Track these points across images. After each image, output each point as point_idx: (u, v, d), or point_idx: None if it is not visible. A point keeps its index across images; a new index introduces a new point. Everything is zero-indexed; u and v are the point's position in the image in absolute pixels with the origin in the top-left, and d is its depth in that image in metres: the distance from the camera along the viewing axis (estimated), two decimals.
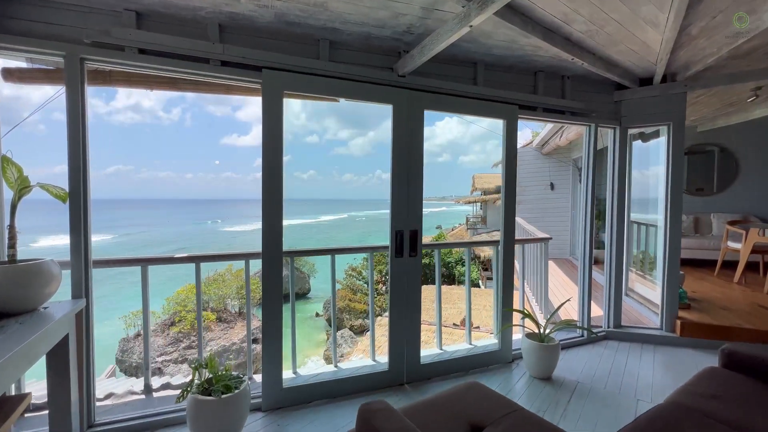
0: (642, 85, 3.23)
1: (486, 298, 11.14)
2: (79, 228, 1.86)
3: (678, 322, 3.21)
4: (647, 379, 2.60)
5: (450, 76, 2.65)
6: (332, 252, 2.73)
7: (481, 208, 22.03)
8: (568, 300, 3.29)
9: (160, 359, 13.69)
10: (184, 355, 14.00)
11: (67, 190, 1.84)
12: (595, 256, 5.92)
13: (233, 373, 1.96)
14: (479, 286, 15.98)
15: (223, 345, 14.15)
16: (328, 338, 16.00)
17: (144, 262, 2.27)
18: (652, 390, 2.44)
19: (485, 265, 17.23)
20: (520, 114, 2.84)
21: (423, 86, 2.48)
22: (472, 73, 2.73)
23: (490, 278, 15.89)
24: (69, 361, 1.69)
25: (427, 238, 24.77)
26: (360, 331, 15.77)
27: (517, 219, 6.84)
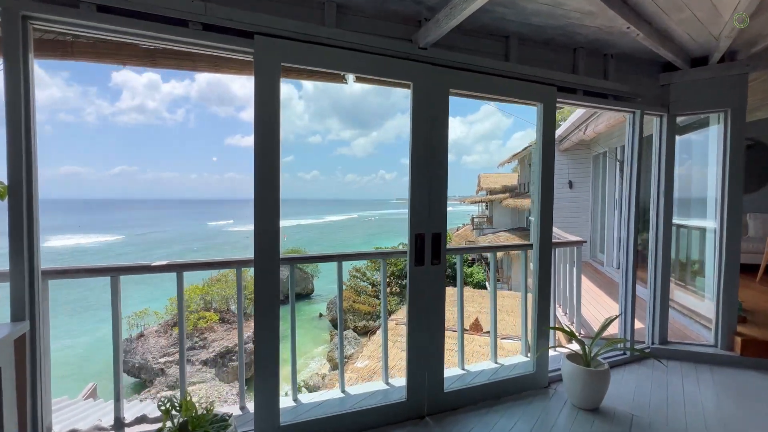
0: (694, 66, 2.77)
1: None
2: (20, 231, 1.46)
3: (738, 339, 2.76)
4: (715, 410, 2.15)
5: (478, 50, 2.22)
6: (339, 258, 2.31)
7: (486, 208, 21.52)
8: (616, 317, 2.83)
9: (162, 360, 13.41)
10: (187, 356, 13.63)
11: (6, 184, 1.44)
12: (620, 259, 5.45)
13: (216, 412, 1.54)
14: (485, 288, 15.51)
15: (226, 346, 13.82)
16: (332, 338, 15.63)
17: (115, 272, 1.87)
18: (726, 429, 1.99)
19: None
20: (558, 98, 2.40)
21: (447, 61, 2.05)
22: (503, 47, 2.30)
23: (498, 280, 15.41)
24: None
25: None
26: (364, 332, 15.37)
27: (532, 219, 6.39)
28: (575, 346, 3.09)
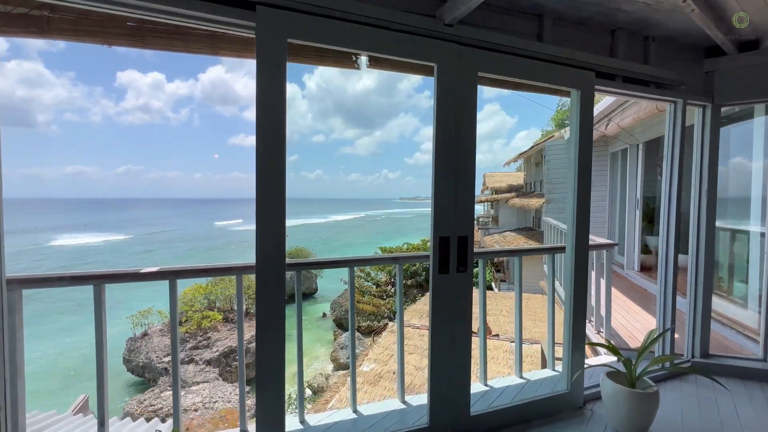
0: (742, 51, 2.48)
1: (501, 302, 10.41)
2: None
3: None
4: None
5: (508, 29, 1.96)
6: (351, 264, 2.06)
7: (492, 208, 21.18)
8: (666, 331, 2.54)
9: (166, 359, 13.27)
10: (190, 356, 13.56)
11: None
12: (641, 261, 5.16)
13: None
14: (492, 288, 15.20)
15: (230, 345, 13.66)
16: (335, 338, 15.42)
17: (98, 280, 1.63)
18: None
19: (497, 266, 16.45)
20: (596, 85, 2.13)
21: (475, 40, 1.79)
22: (537, 26, 2.03)
23: (503, 280, 15.10)
24: None
25: None
26: (367, 332, 15.14)
27: (548, 219, 6.09)
28: (605, 358, 2.82)
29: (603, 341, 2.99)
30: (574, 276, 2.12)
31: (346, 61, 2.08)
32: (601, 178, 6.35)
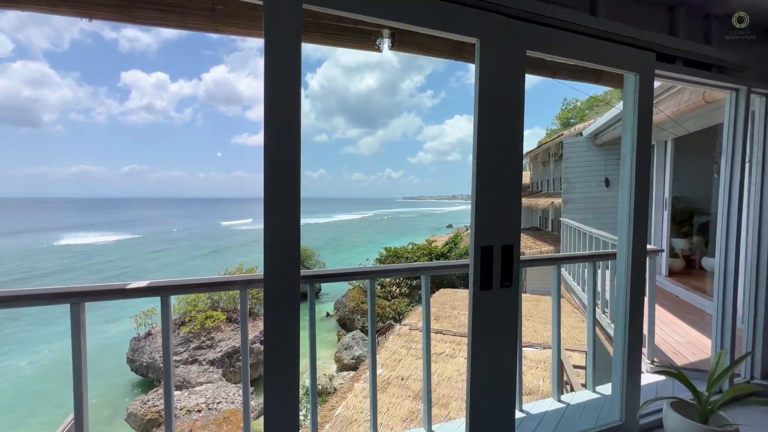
0: None
1: None
2: None
3: None
4: None
5: (559, 1, 1.66)
6: (371, 275, 1.77)
7: None
8: (747, 355, 2.23)
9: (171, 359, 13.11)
10: (194, 356, 13.38)
11: None
12: (669, 266, 4.84)
13: None
14: None
15: (234, 346, 13.47)
16: (339, 339, 15.16)
17: (77, 298, 1.35)
18: None
19: None
20: (655, 69, 1.83)
21: (524, 12, 1.50)
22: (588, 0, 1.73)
23: None
24: None
25: (442, 238, 23.62)
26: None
27: (566, 220, 5.77)
28: (647, 377, 2.52)
29: (652, 363, 2.68)
30: (629, 287, 1.82)
31: (367, 41, 1.80)
32: (599, 175, 6.00)
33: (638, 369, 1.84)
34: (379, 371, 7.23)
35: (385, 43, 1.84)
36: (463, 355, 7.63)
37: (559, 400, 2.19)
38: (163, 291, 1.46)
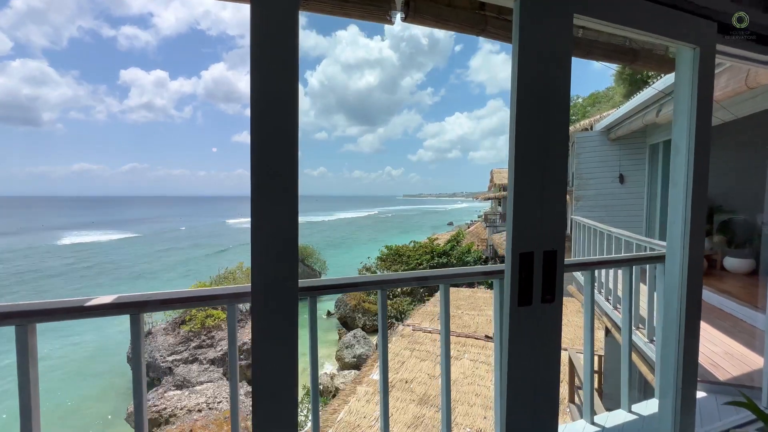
0: None
1: None
2: None
3: None
4: None
5: None
6: (381, 285, 1.51)
7: (499, 205, 20.54)
8: None
9: (170, 358, 12.93)
10: (194, 355, 13.22)
11: None
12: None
13: None
14: None
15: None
16: (340, 337, 14.95)
17: (24, 318, 1.09)
18: None
19: None
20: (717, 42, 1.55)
21: None
22: None
23: None
24: None
25: (443, 236, 23.33)
26: (373, 330, 14.64)
27: (578, 218, 5.49)
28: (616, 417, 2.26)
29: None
30: (685, 297, 1.55)
31: (376, 11, 1.54)
32: (638, 174, 5.71)
33: (693, 394, 1.58)
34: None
35: (398, 15, 1.58)
36: (469, 357, 7.39)
37: (592, 422, 1.93)
38: (132, 308, 1.19)
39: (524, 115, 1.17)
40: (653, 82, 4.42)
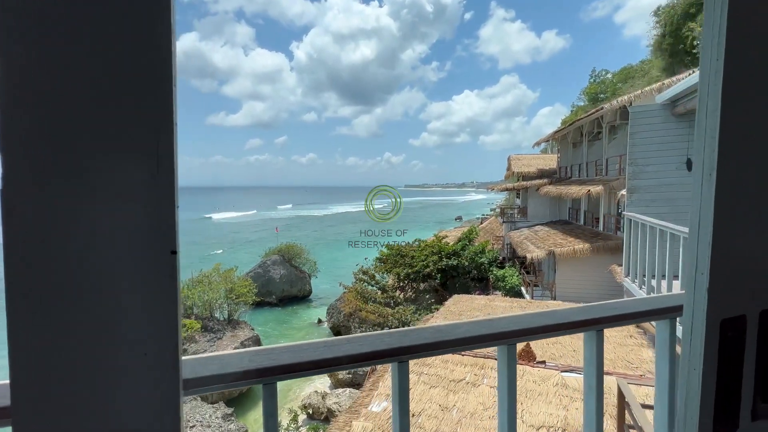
0: None
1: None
2: None
3: None
4: None
5: None
6: (400, 354, 0.93)
7: (518, 197, 19.86)
8: None
9: None
10: None
11: None
12: None
13: None
14: (522, 295, 14.12)
15: None
16: None
17: None
18: None
19: (527, 268, 15.35)
20: None
21: None
22: None
23: (536, 285, 14.01)
24: None
25: (453, 233, 22.69)
26: None
27: (632, 215, 4.92)
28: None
29: None
30: None
31: None
32: (678, 155, 4.99)
33: None
34: (383, 405, 6.47)
35: None
36: (488, 383, 6.89)
37: None
38: None
39: (736, 91, 0.58)
40: (698, 52, 3.81)
